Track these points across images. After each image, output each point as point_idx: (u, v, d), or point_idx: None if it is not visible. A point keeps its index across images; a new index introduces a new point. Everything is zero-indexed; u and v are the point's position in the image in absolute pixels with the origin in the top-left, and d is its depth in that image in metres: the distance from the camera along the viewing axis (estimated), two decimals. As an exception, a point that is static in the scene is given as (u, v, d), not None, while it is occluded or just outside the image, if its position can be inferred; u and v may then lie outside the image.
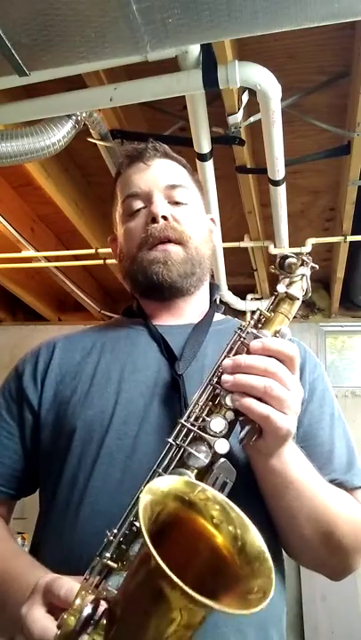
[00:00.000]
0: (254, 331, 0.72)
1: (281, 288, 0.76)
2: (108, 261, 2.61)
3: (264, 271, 2.72)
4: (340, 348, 3.28)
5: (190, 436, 0.66)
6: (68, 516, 0.76)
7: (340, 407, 0.92)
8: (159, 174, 0.97)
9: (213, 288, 1.04)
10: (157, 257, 0.92)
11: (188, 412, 0.69)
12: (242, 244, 2.46)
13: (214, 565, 0.52)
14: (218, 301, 1.06)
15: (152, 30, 1.04)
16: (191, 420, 0.67)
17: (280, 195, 1.95)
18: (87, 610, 0.50)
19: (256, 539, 0.52)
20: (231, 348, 0.72)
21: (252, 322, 0.74)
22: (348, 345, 3.29)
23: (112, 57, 1.13)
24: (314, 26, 1.06)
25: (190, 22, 1.03)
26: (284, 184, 1.91)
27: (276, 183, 1.89)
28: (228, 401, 0.67)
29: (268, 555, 0.51)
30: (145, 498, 0.48)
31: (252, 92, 1.52)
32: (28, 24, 1.03)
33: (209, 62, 1.42)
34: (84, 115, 1.65)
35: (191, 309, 0.97)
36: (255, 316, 0.75)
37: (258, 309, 0.76)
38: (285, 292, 0.76)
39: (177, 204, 0.96)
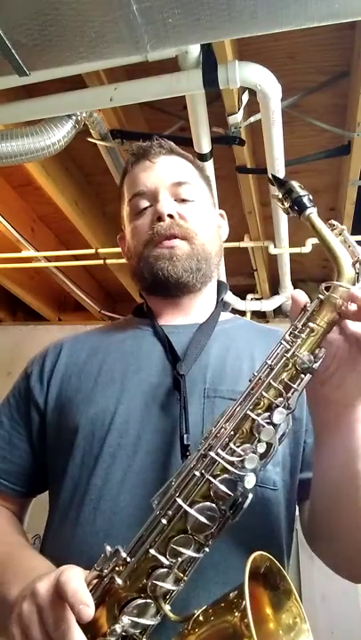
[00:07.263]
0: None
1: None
2: (108, 261, 2.60)
3: (264, 271, 2.72)
4: (340, 348, 3.26)
5: (216, 466, 0.60)
6: (70, 514, 0.76)
7: None
8: (165, 172, 0.97)
9: (221, 287, 1.03)
10: (163, 253, 0.92)
11: (214, 433, 0.63)
12: (242, 244, 2.45)
13: None
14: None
15: (152, 30, 1.04)
16: (217, 448, 0.60)
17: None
18: None
19: None
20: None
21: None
22: (348, 345, 3.27)
23: (112, 57, 1.12)
24: (314, 26, 1.06)
25: (190, 22, 1.02)
26: (285, 184, 1.91)
27: (277, 183, 1.88)
28: (263, 436, 0.60)
29: None
30: None
31: (252, 92, 1.51)
32: (28, 24, 1.03)
33: (209, 62, 1.41)
34: (84, 115, 1.65)
35: (198, 307, 0.97)
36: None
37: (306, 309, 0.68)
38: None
39: (183, 201, 0.96)
